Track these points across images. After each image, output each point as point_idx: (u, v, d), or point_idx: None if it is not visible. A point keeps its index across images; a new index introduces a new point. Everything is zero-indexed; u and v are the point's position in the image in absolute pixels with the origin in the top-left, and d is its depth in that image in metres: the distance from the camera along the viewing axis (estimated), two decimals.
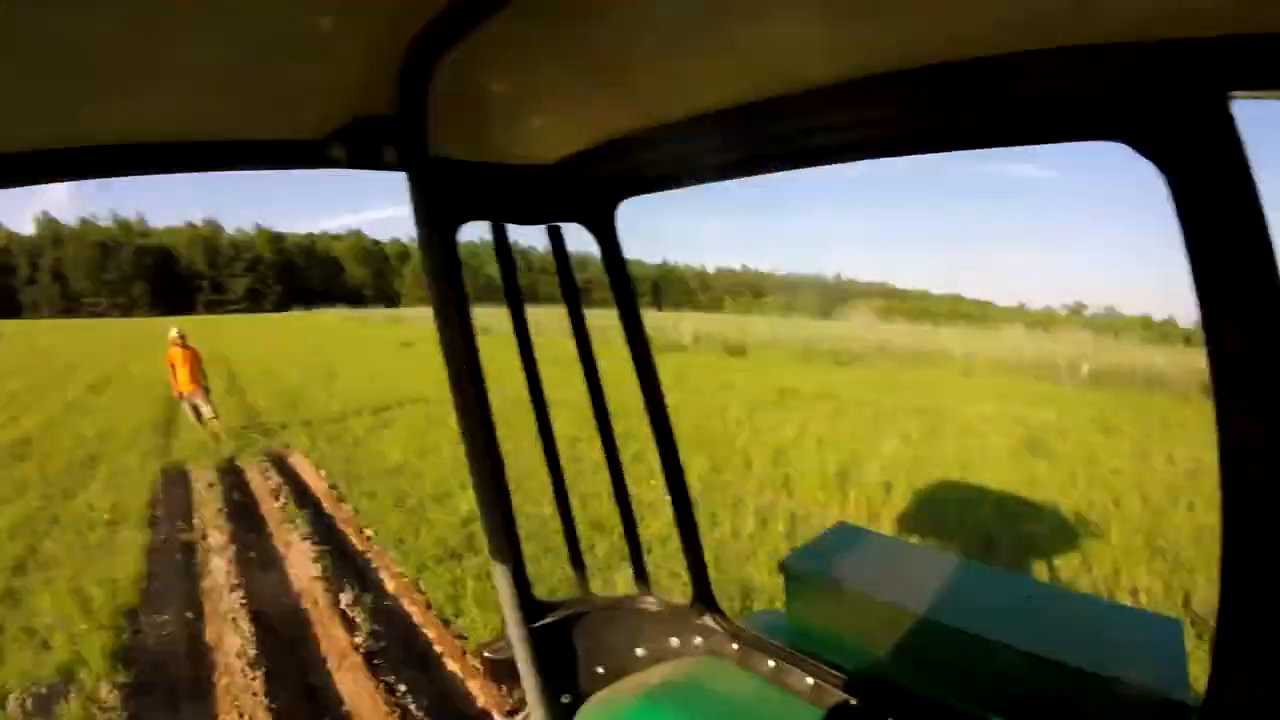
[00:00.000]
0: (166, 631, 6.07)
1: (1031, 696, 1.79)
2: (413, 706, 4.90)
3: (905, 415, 14.11)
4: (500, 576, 1.80)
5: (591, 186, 1.72)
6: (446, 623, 6.17)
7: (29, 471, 11.04)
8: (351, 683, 5.24)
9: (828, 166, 1.38)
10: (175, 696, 5.20)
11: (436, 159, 1.48)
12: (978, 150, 1.20)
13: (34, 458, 11.97)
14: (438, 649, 5.81)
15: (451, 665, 5.56)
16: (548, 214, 1.81)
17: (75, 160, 1.23)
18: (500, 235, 1.80)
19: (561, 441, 2.08)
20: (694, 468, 9.73)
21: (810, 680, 1.88)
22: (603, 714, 1.95)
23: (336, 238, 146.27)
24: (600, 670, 2.06)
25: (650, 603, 2.13)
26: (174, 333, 13.43)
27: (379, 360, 27.03)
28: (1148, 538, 7.72)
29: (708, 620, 2.08)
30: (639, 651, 2.12)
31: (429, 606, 6.48)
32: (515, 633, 1.84)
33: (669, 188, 1.65)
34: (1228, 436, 0.98)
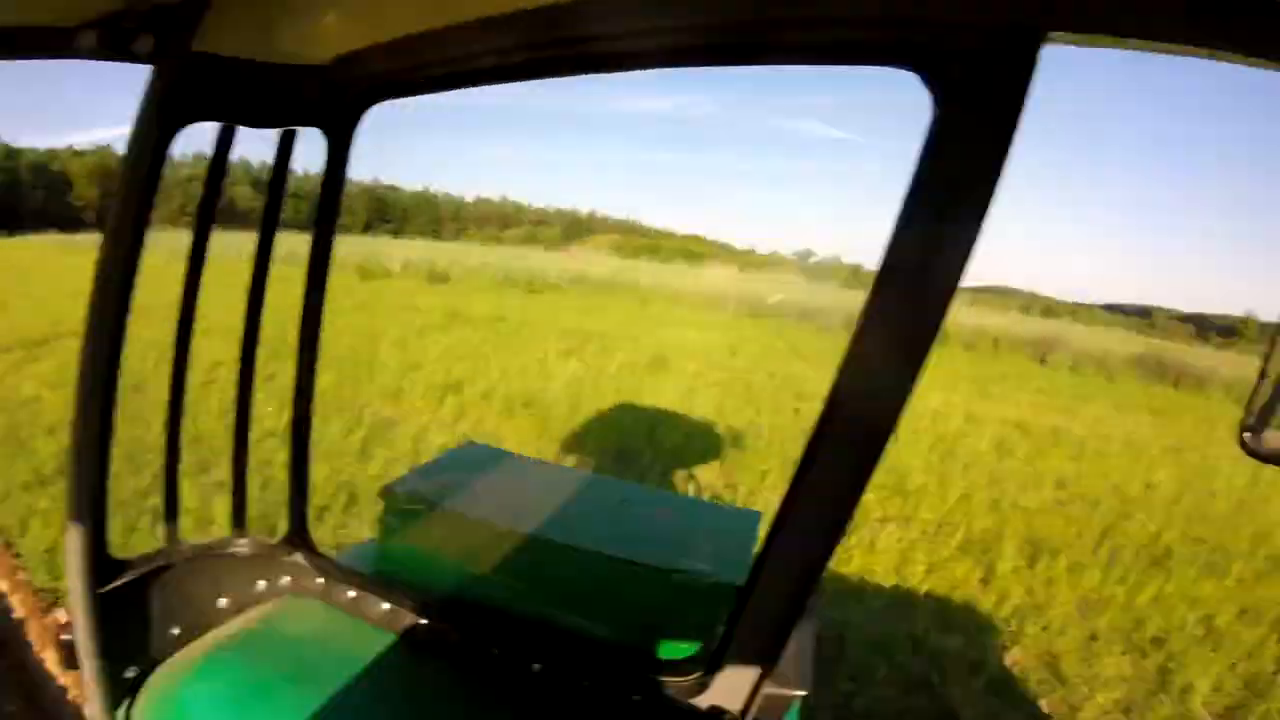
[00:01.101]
0: None
1: (606, 596, 1.84)
2: None
3: (557, 335, 14.77)
4: (71, 532, 1.52)
5: (344, 90, 1.57)
6: (9, 544, 6.16)
7: None
8: None
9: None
10: None
11: (196, 53, 1.32)
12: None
13: None
14: None
15: None
16: (288, 118, 1.62)
17: None
18: (226, 141, 1.57)
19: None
20: (321, 383, 9.95)
21: (386, 606, 1.81)
22: (167, 683, 1.68)
23: (79, 153, 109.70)
24: (175, 632, 1.77)
25: (241, 545, 1.90)
26: None
27: (59, 292, 23.00)
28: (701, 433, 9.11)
29: (298, 558, 1.92)
30: (221, 603, 1.87)
31: None
32: (78, 601, 1.53)
33: (430, 92, 1.55)
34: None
